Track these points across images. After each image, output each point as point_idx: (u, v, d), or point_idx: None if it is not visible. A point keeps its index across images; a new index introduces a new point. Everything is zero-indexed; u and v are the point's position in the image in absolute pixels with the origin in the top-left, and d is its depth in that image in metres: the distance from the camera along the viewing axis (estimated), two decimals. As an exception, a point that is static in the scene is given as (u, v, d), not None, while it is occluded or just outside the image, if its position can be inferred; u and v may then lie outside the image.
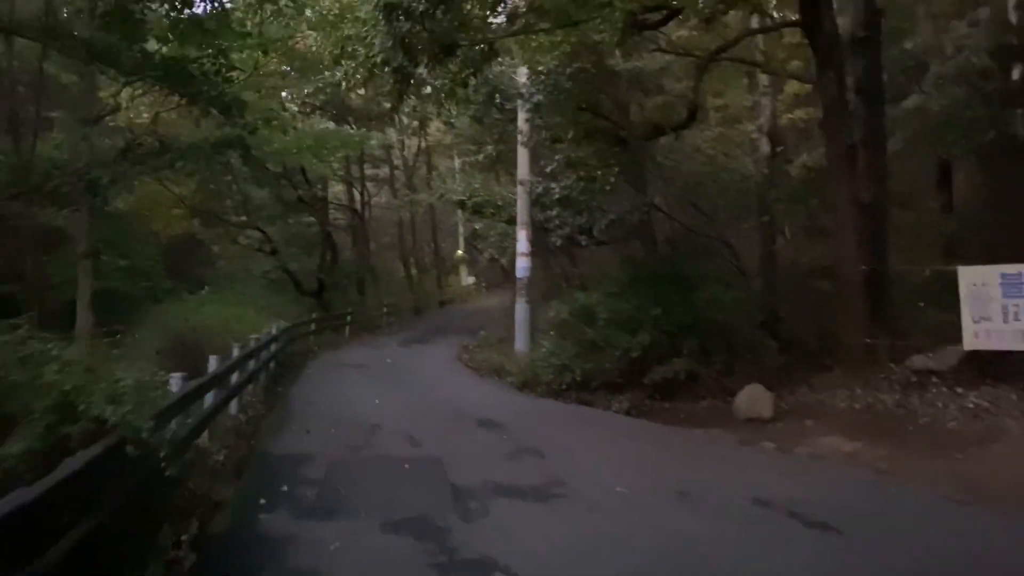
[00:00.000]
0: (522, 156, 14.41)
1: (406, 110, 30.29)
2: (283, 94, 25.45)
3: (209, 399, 7.52)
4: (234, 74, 10.56)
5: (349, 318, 23.64)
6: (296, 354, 17.15)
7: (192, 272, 25.49)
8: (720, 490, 5.92)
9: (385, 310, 27.14)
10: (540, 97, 11.86)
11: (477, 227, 17.75)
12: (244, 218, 24.86)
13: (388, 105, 10.80)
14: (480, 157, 16.62)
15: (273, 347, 13.92)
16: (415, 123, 33.68)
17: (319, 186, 26.72)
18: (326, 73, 14.47)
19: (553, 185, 11.28)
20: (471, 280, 43.12)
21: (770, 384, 10.65)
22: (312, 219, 27.83)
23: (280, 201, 27.08)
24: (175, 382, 5.95)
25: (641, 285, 12.47)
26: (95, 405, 3.68)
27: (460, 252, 41.74)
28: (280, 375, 13.81)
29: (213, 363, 7.84)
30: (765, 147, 17.17)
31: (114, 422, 3.78)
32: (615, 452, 7.46)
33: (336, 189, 34.08)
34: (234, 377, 9.16)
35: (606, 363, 11.76)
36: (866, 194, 10.72)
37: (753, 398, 10.26)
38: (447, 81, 10.12)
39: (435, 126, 34.03)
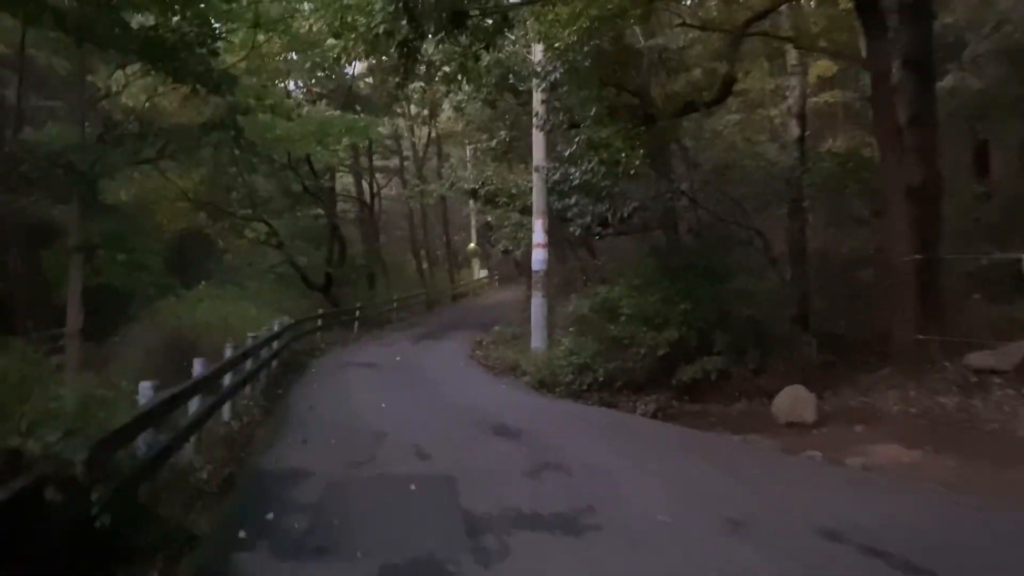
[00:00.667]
0: (537, 140, 13.52)
1: (415, 96, 29.52)
2: (289, 84, 24.77)
3: (195, 406, 6.74)
4: (220, 45, 9.72)
5: (358, 313, 22.87)
6: (301, 352, 16.40)
7: (198, 267, 24.83)
8: (778, 517, 5.05)
9: (396, 305, 26.35)
10: (558, 74, 10.96)
11: (490, 219, 16.87)
12: (250, 211, 24.14)
13: (396, 81, 9.88)
14: (493, 144, 15.74)
15: (275, 345, 13.16)
16: (424, 112, 32.86)
17: (326, 177, 25.92)
18: (327, 52, 13.61)
19: (573, 170, 10.41)
20: (483, 274, 42.25)
21: (809, 384, 9.76)
22: (320, 212, 27.09)
23: (287, 194, 26.38)
24: (144, 392, 5.15)
25: (666, 277, 11.60)
26: (6, 434, 2.87)
27: (472, 245, 40.86)
28: (282, 375, 13.04)
29: (198, 367, 7.04)
30: (794, 130, 16.16)
31: (37, 455, 2.97)
32: (649, 466, 6.60)
33: (345, 181, 33.34)
34: (227, 380, 8.40)
35: (630, 362, 10.94)
36: (916, 176, 9.77)
37: (794, 400, 9.37)
38: (457, 55, 9.25)
39: (446, 115, 33.18)
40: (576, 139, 9.57)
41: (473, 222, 40.64)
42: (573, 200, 12.14)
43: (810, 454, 7.86)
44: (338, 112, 17.43)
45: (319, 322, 19.34)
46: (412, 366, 14.61)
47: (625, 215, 11.43)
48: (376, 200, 31.57)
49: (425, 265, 34.87)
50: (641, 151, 9.27)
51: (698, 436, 8.77)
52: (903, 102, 9.86)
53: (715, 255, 13.30)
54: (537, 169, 13.39)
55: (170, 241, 25.15)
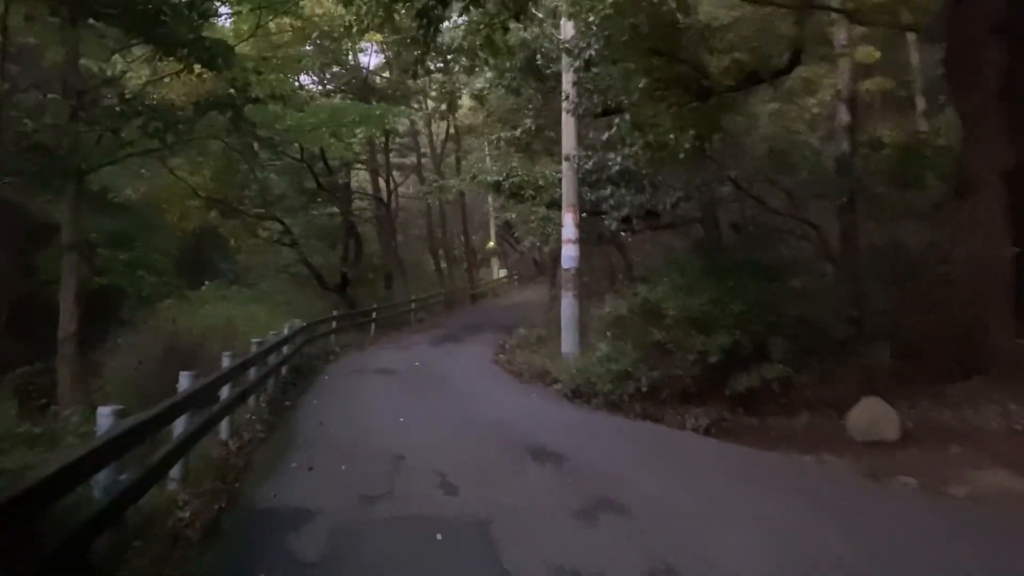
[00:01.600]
0: (567, 126, 12.39)
1: (432, 89, 28.54)
2: (301, 79, 23.85)
3: (181, 428, 5.71)
4: (215, 4, 8.68)
5: (375, 315, 21.86)
6: (313, 357, 15.39)
7: (210, 267, 24.03)
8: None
9: (413, 306, 25.32)
10: (593, 51, 9.83)
11: (512, 215, 15.77)
12: (263, 210, 23.22)
13: (415, 55, 8.80)
14: (517, 133, 14.63)
15: (285, 350, 12.16)
16: (442, 107, 31.85)
17: (342, 173, 24.93)
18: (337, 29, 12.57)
19: (612, 155, 9.26)
20: (503, 273, 41.16)
21: (883, 394, 8.55)
22: (335, 210, 26.14)
23: (301, 191, 25.47)
24: (103, 421, 4.10)
25: (712, 276, 10.41)
26: None
27: (491, 244, 39.78)
28: (292, 383, 12.03)
29: (184, 382, 6.00)
30: (843, 116, 14.87)
31: None
32: (721, 501, 5.46)
33: (360, 177, 32.42)
34: (224, 393, 7.38)
35: (677, 369, 9.75)
36: (1009, 157, 8.52)
37: (872, 415, 8.17)
38: (482, 26, 8.16)
39: (464, 109, 32.15)
40: (615, 122, 8.44)
41: (492, 220, 39.58)
42: (608, 191, 11.00)
43: (903, 481, 6.69)
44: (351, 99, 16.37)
45: (334, 324, 18.35)
46: (432, 372, 13.54)
47: (668, 206, 10.28)
48: (393, 198, 30.58)
49: (444, 264, 33.81)
50: (692, 132, 8.11)
51: (763, 457, 7.61)
52: (993, 73, 8.61)
53: (764, 251, 12.14)
54: (567, 158, 12.26)
55: (182, 241, 24.38)
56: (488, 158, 23.63)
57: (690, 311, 9.82)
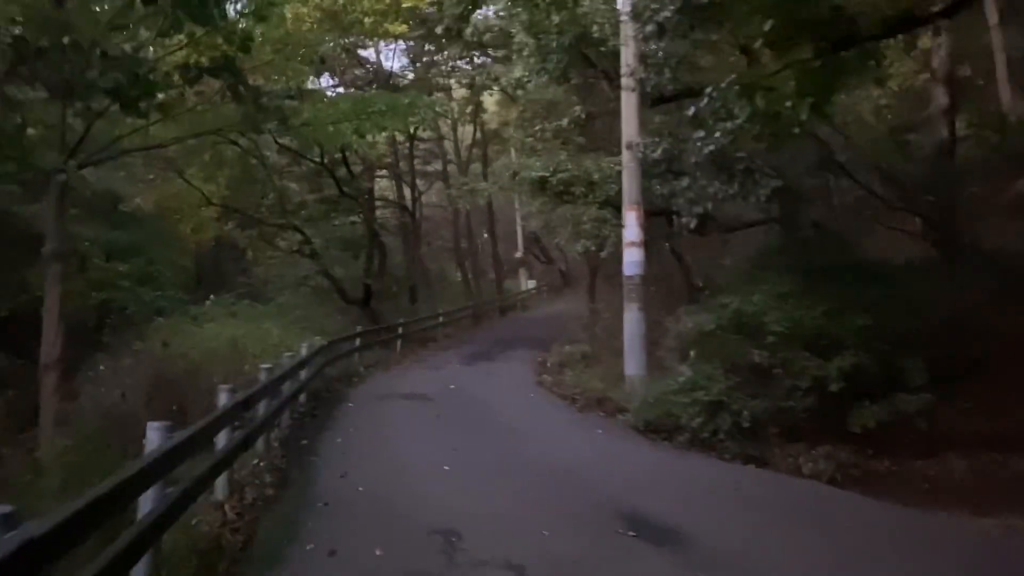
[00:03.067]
0: (629, 108, 10.59)
1: (463, 81, 26.83)
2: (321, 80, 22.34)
3: (150, 504, 3.96)
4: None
5: (401, 330, 20.11)
6: (335, 379, 13.66)
7: (230, 280, 22.52)
8: None
9: (441, 320, 23.55)
10: (670, 10, 8.02)
11: (566, 212, 13.90)
12: (282, 221, 21.59)
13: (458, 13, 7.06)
14: (564, 123, 12.86)
15: (303, 374, 10.43)
16: (468, 109, 30.21)
17: (364, 177, 23.27)
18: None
19: (701, 133, 7.41)
20: (532, 284, 39.33)
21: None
22: (357, 219, 24.51)
23: (322, 200, 23.91)
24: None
25: (822, 282, 8.51)
26: None
27: (519, 254, 37.97)
28: (310, 413, 10.27)
29: (154, 438, 4.23)
30: (941, 99, 12.93)
31: None
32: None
33: (382, 185, 30.87)
34: (220, 440, 5.62)
35: (784, 399, 7.86)
36: None
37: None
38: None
39: (490, 111, 30.50)
40: (708, 92, 6.63)
41: (519, 229, 37.83)
42: (685, 183, 9.15)
43: None
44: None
45: (357, 342, 16.61)
46: (471, 398, 11.73)
47: (762, 198, 8.42)
48: (417, 206, 28.87)
49: (470, 275, 32.03)
50: (808, 99, 6.27)
51: (929, 522, 5.70)
52: None
53: (857, 252, 10.23)
54: (629, 146, 10.44)
55: (197, 253, 22.92)
56: (516, 156, 21.77)
57: (798, 325, 7.93)
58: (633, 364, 10.43)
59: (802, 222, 11.33)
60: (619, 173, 11.29)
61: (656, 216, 11.55)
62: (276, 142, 19.20)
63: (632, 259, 10.60)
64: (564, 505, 5.64)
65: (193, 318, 12.22)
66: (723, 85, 6.43)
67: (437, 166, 33.33)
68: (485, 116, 31.08)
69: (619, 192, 11.68)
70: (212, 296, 14.04)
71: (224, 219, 22.44)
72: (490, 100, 30.29)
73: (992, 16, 11.75)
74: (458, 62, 23.34)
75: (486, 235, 35.55)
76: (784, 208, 10.97)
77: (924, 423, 7.28)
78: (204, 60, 8.25)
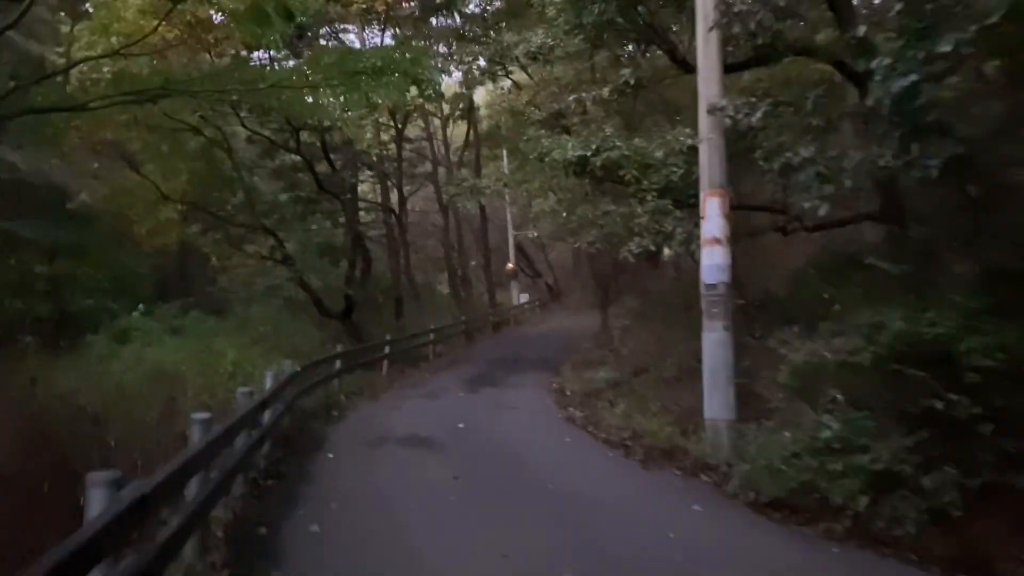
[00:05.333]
0: (708, 57, 7.93)
1: (463, 62, 24.08)
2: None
3: None
4: None
5: (388, 349, 17.22)
6: (311, 414, 10.76)
7: (193, 292, 19.58)
8: None
9: (432, 336, 20.69)
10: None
11: (590, 210, 11.24)
12: (250, 222, 18.60)
13: None
14: (605, 93, 10.20)
15: (267, 416, 7.56)
16: (458, 108, 27.56)
17: (348, 172, 20.35)
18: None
19: (885, 61, 4.77)
20: (524, 298, 36.57)
21: None
22: (338, 222, 21.61)
23: (296, 198, 20.96)
24: None
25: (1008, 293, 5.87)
26: None
27: (511, 265, 35.21)
28: (275, 473, 7.36)
29: None
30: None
31: None
32: None
33: (364, 188, 28.00)
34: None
35: (1002, 471, 5.19)
36: None
37: None
38: None
39: (484, 112, 27.82)
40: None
41: (511, 239, 35.11)
42: (810, 152, 6.48)
43: None
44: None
45: (337, 364, 13.70)
46: (491, 443, 8.94)
47: (935, 170, 5.79)
48: (403, 212, 25.94)
49: (460, 288, 29.15)
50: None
51: None
52: None
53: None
54: (712, 111, 7.80)
55: (163, 261, 19.92)
56: (508, 161, 18.99)
57: (1015, 355, 5.27)
58: (717, 404, 7.69)
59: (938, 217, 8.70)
60: (685, 151, 8.65)
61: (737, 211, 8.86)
62: (244, 125, 16.36)
63: (714, 261, 7.90)
64: None
65: (121, 334, 9.27)
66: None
67: (426, 169, 30.53)
68: (478, 114, 28.38)
69: (685, 175, 9.05)
70: (140, 307, 11.00)
71: (189, 221, 19.50)
72: (483, 99, 27.72)
73: None
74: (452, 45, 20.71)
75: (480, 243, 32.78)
76: (886, 195, 8.34)
77: None
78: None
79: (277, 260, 18.65)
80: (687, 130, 8.86)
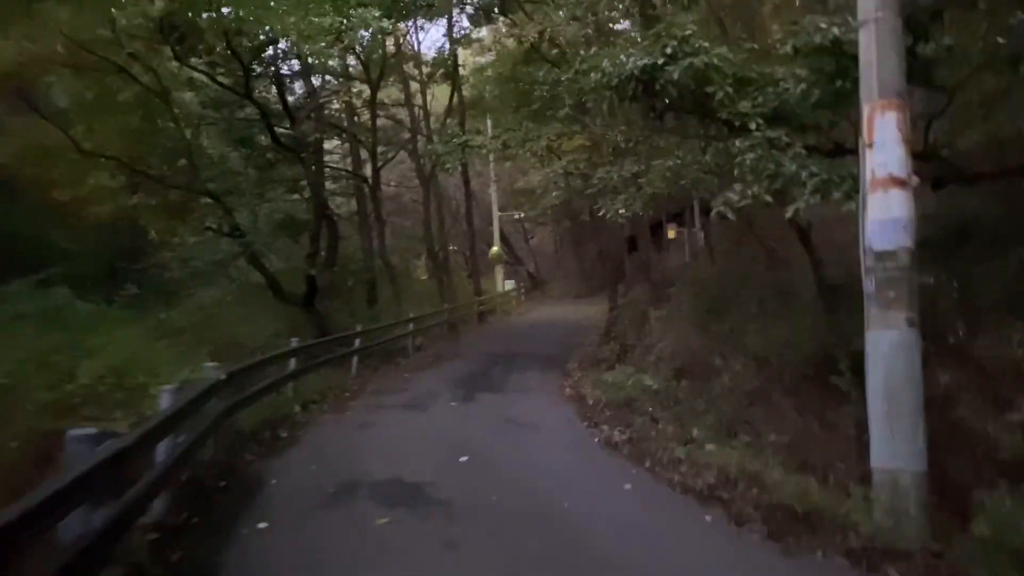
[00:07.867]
0: None
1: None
2: None
3: None
4: None
5: (359, 342, 14.00)
6: (247, 437, 7.56)
7: (145, 273, 16.32)
8: None
9: (412, 327, 17.49)
10: None
11: (618, 170, 8.09)
12: (204, 188, 15.15)
13: None
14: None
15: (160, 452, 4.40)
16: (440, 72, 24.23)
17: (312, 130, 16.95)
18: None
19: None
20: (511, 285, 33.48)
21: None
22: (300, 191, 18.27)
23: (250, 159, 17.57)
24: None
25: None
26: None
27: (495, 248, 32.05)
28: (160, 558, 4.19)
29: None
30: None
31: None
32: None
33: (334, 158, 24.58)
34: None
35: None
36: None
37: None
38: None
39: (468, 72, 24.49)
40: None
41: (495, 220, 31.91)
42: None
43: None
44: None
45: (292, 363, 10.48)
46: (514, 491, 5.86)
47: None
48: (377, 182, 22.50)
49: (443, 276, 25.83)
50: None
51: None
52: None
53: None
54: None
55: (112, 238, 16.50)
56: (491, 125, 15.68)
57: None
58: (899, 446, 4.67)
59: None
60: (829, 45, 5.61)
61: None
62: (177, 58, 12.98)
63: (888, 215, 4.87)
64: None
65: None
66: None
67: (403, 140, 27.11)
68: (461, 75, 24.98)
69: (803, 96, 6.02)
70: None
71: (135, 191, 16.09)
72: (467, 57, 24.45)
73: None
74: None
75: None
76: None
77: None
78: None
79: (224, 233, 15.30)
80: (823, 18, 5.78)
